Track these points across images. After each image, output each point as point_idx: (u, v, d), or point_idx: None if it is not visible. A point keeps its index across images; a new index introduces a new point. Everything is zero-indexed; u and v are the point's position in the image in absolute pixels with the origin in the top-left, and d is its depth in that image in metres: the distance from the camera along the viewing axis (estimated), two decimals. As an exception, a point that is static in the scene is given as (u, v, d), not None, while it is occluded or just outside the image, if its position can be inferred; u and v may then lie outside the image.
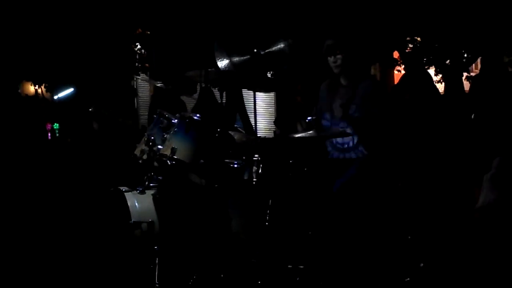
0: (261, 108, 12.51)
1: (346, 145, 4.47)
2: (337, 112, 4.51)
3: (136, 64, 10.37)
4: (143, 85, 11.95)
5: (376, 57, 9.29)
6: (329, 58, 4.55)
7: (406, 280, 4.17)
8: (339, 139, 4.52)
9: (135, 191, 4.38)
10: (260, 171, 4.15)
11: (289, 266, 4.02)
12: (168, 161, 4.15)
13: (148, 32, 10.12)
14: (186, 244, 4.20)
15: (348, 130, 4.42)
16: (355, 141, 4.46)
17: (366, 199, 4.31)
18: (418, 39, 9.18)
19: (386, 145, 4.45)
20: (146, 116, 10.24)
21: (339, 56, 4.50)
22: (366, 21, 8.33)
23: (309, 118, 4.31)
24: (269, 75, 8.02)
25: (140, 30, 10.14)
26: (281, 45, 4.75)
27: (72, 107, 9.28)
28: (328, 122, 4.59)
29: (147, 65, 10.40)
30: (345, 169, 4.40)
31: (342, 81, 4.60)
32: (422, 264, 4.31)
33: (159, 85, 4.88)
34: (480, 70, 8.65)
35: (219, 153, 4.22)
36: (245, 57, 4.72)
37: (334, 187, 4.31)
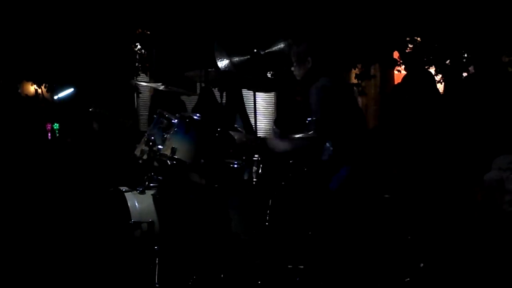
0: (261, 108, 12.49)
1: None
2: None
3: (136, 64, 10.36)
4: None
5: (375, 57, 9.28)
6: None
7: (406, 280, 4.17)
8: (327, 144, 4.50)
9: (135, 191, 4.38)
10: (260, 171, 4.15)
11: (289, 266, 4.03)
12: (168, 161, 4.16)
13: (148, 32, 10.11)
14: (186, 244, 4.20)
15: None
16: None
17: (365, 199, 4.31)
18: (418, 39, 9.17)
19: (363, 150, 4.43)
20: (146, 116, 10.26)
21: (295, 64, 4.48)
22: (366, 21, 8.32)
23: (309, 118, 4.31)
24: (269, 75, 8.03)
25: (140, 30, 10.13)
26: (281, 45, 4.75)
27: (72, 107, 9.27)
28: None
29: (147, 65, 10.39)
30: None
31: None
32: (422, 264, 4.31)
33: (161, 88, 4.88)
34: (474, 70, 8.64)
35: (219, 153, 4.22)
36: (245, 57, 4.73)
37: (331, 185, 4.31)
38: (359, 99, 9.94)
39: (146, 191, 4.38)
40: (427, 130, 6.55)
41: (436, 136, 6.51)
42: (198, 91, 7.94)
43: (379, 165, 4.51)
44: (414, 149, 6.24)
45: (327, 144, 4.45)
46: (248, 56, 4.72)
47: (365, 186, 4.37)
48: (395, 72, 10.89)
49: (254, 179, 4.15)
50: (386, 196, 4.46)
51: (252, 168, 4.16)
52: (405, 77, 7.75)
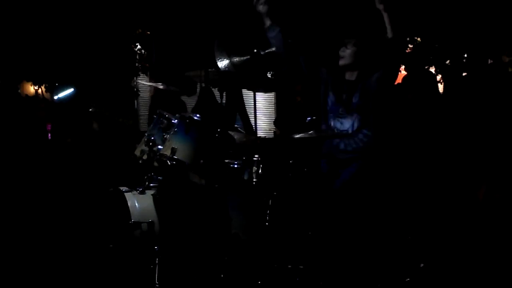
0: (261, 108, 12.50)
1: (345, 131, 4.45)
2: (345, 106, 4.50)
3: (136, 64, 10.38)
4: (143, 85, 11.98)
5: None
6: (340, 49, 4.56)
7: (406, 280, 4.17)
8: (338, 125, 4.48)
9: (135, 191, 4.38)
10: (260, 171, 4.15)
11: (289, 266, 4.02)
12: (168, 161, 4.16)
13: (148, 32, 10.13)
14: (186, 244, 4.20)
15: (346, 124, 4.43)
16: (354, 127, 4.42)
17: (366, 199, 4.31)
18: (418, 39, 9.18)
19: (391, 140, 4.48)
20: (146, 116, 10.27)
21: (349, 50, 4.50)
22: (365, 22, 8.32)
23: (308, 118, 4.31)
24: (269, 75, 8.03)
25: (140, 30, 10.14)
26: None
27: (72, 107, 9.28)
28: (328, 107, 4.55)
29: (147, 65, 10.41)
30: (345, 166, 4.38)
31: (347, 76, 4.58)
32: (422, 264, 4.31)
33: (161, 87, 4.87)
34: (474, 70, 8.66)
35: (219, 153, 4.22)
36: (245, 57, 4.72)
37: (335, 186, 4.30)
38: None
39: (146, 191, 4.38)
40: (428, 130, 6.55)
41: (437, 136, 6.50)
42: (198, 91, 7.94)
43: (384, 165, 4.51)
44: (415, 149, 6.24)
45: (361, 134, 4.43)
46: (248, 56, 4.71)
47: (366, 186, 4.37)
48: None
49: (254, 179, 4.15)
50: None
51: (252, 168, 4.16)
52: (405, 77, 7.75)
